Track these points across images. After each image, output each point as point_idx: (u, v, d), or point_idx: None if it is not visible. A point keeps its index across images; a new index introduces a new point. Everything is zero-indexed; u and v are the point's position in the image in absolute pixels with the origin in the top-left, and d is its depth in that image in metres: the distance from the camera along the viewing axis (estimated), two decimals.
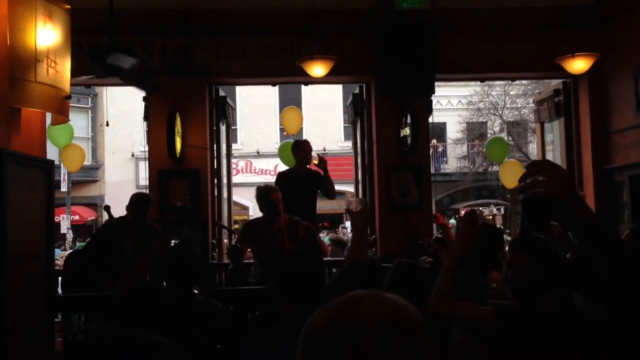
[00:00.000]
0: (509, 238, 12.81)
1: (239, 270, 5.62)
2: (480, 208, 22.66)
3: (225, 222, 7.46)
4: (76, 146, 10.42)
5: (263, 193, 5.42)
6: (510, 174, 10.18)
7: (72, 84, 3.83)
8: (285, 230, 5.36)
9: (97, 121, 20.26)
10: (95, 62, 4.89)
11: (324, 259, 5.76)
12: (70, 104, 3.78)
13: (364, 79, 7.22)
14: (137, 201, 5.53)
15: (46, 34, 3.26)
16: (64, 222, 17.23)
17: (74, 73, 3.93)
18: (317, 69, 6.38)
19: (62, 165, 16.34)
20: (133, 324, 2.55)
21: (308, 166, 6.68)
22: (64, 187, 17.00)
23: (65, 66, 3.43)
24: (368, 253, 2.89)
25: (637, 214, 6.48)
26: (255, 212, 20.46)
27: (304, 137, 19.22)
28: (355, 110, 7.60)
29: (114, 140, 20.37)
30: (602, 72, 6.89)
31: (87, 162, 17.31)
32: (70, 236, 17.06)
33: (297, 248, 4.59)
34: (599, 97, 7.03)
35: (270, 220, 5.38)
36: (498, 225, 21.22)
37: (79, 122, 18.92)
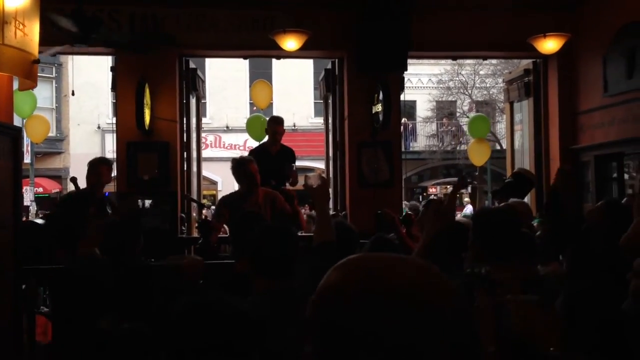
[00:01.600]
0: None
1: (209, 245, 5.56)
2: (448, 186, 22.94)
3: (194, 197, 7.39)
4: (41, 117, 10.20)
5: (238, 165, 5.25)
6: (478, 153, 10.48)
7: (40, 52, 3.71)
8: (263, 204, 5.21)
9: (61, 91, 19.77)
10: (60, 29, 4.76)
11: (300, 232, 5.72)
12: None
13: (336, 54, 7.17)
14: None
15: None
16: (28, 193, 16.84)
17: (41, 42, 3.80)
18: (290, 43, 6.31)
19: (25, 136, 15.97)
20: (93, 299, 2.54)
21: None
22: (27, 159, 16.59)
23: (33, 29, 3.30)
24: (333, 229, 2.89)
25: (601, 194, 6.63)
26: (223, 187, 20.36)
27: (274, 113, 19.15)
28: (327, 86, 7.56)
29: (80, 111, 19.94)
30: (572, 53, 6.98)
31: (52, 133, 16.89)
32: (33, 208, 16.72)
33: (271, 223, 4.54)
34: (568, 78, 7.13)
35: (247, 193, 5.22)
36: (464, 204, 21.51)
37: (42, 92, 18.43)
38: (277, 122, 6.66)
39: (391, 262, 0.98)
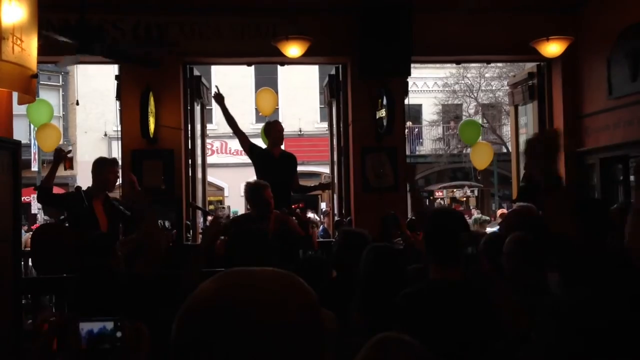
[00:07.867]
0: (485, 217, 12.96)
1: (213, 252, 5.55)
2: (455, 190, 22.89)
3: (199, 203, 7.41)
4: (52, 125, 10.24)
5: (254, 189, 5.11)
6: (480, 156, 10.31)
7: (42, 62, 3.73)
8: (274, 228, 5.02)
9: (68, 99, 19.88)
10: (64, 37, 4.79)
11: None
12: (41, 82, 3.71)
13: (340, 60, 7.18)
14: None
15: (12, 11, 3.14)
16: (35, 202, 16.95)
17: (44, 51, 3.83)
18: (293, 50, 6.33)
19: (32, 145, 16.06)
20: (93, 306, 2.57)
21: (283, 148, 6.68)
22: (34, 167, 16.71)
23: (31, 44, 3.32)
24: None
25: (606, 197, 6.59)
26: (230, 193, 20.39)
27: (280, 119, 19.16)
28: (331, 92, 7.57)
29: (86, 119, 20.06)
30: (575, 56, 6.95)
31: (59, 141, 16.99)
32: (41, 216, 16.81)
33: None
34: (572, 81, 7.10)
35: (260, 218, 5.05)
36: (471, 207, 21.45)
37: (49, 100, 18.39)
38: (275, 123, 6.68)
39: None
